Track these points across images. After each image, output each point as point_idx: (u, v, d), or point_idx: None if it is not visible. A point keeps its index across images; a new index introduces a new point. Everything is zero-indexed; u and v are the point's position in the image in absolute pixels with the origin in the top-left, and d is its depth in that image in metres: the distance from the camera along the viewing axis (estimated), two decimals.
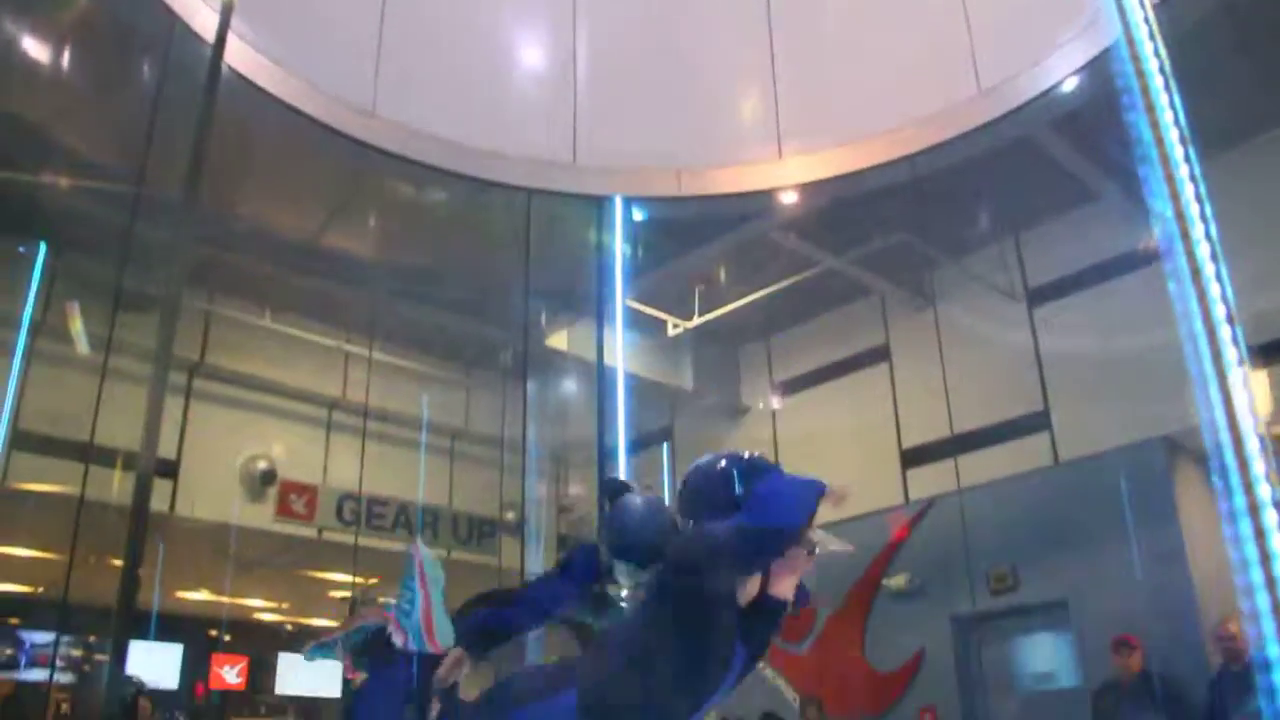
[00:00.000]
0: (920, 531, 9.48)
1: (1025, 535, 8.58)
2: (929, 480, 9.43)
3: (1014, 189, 8.49)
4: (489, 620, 3.39)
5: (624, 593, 3.28)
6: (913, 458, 9.74)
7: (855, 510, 9.76)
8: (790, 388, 11.02)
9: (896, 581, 9.52)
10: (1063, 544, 8.33)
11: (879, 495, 9.84)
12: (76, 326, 7.91)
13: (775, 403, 11.08)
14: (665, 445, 7.56)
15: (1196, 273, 2.69)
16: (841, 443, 10.29)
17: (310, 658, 3.70)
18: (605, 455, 5.98)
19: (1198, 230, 2.74)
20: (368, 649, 3.32)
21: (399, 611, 3.33)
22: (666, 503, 3.37)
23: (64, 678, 12.47)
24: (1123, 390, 8.23)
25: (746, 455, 3.14)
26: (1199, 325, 2.63)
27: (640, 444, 6.87)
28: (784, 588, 2.98)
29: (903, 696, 9.37)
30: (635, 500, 3.39)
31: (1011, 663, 8.69)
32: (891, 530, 9.61)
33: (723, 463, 3.09)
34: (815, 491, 3.00)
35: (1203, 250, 2.72)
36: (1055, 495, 8.54)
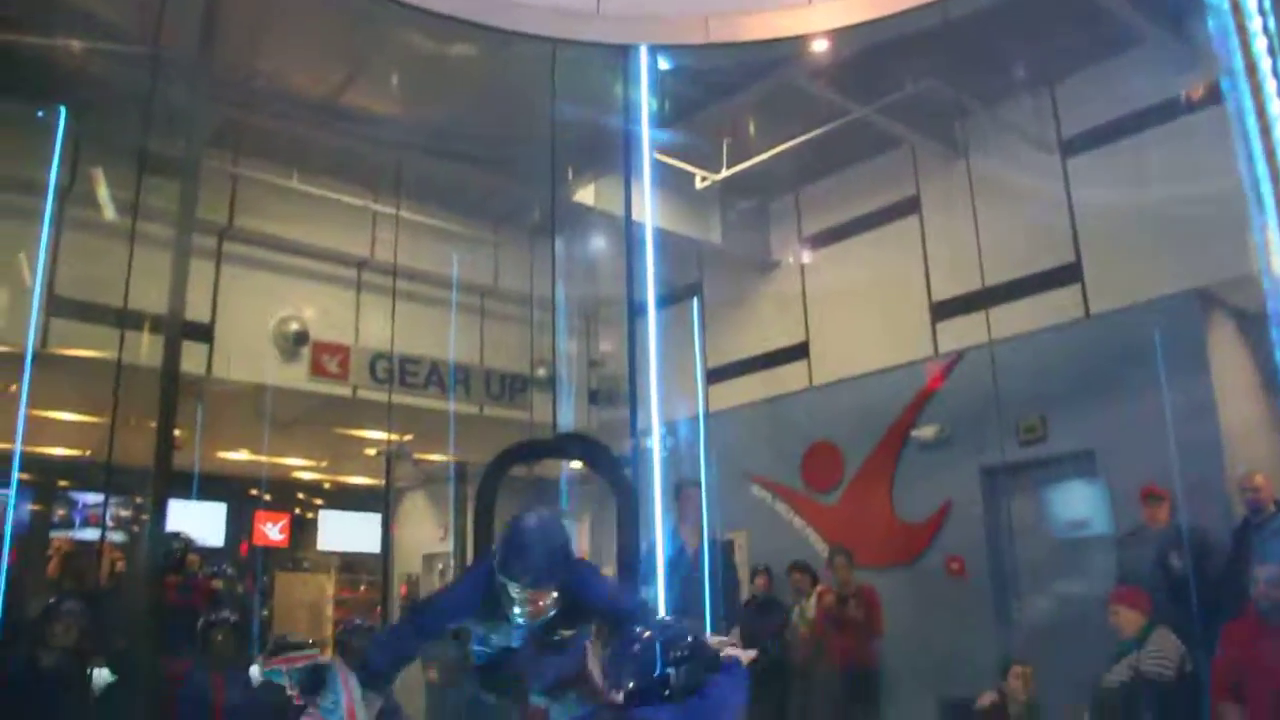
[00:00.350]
0: (949, 383, 9.51)
1: (1055, 387, 8.58)
2: (959, 333, 9.40)
3: (1050, 34, 8.25)
4: (379, 662, 3.67)
5: (516, 609, 3.43)
6: (943, 310, 9.69)
7: (885, 363, 9.88)
8: (819, 241, 10.92)
9: (925, 433, 9.58)
10: (1092, 396, 8.34)
11: (908, 348, 9.84)
12: (102, 192, 7.90)
13: (804, 256, 11.00)
14: (695, 300, 7.55)
15: (1262, 110, 2.59)
16: (871, 296, 10.26)
17: (262, 674, 3.91)
18: (635, 310, 5.99)
19: (1265, 65, 2.63)
20: (312, 686, 3.51)
21: (324, 710, 3.55)
22: (563, 524, 3.56)
23: (115, 536, 12.85)
24: (1156, 243, 8.14)
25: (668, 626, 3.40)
26: (1262, 168, 2.54)
27: (669, 299, 6.86)
28: None
29: (930, 546, 9.53)
30: (530, 521, 3.56)
31: (1039, 513, 8.77)
32: (926, 379, 9.64)
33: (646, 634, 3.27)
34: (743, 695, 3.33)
35: (1270, 86, 2.60)
36: (1086, 348, 8.50)
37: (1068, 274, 8.76)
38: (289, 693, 3.72)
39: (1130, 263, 8.42)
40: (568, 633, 3.62)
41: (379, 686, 3.61)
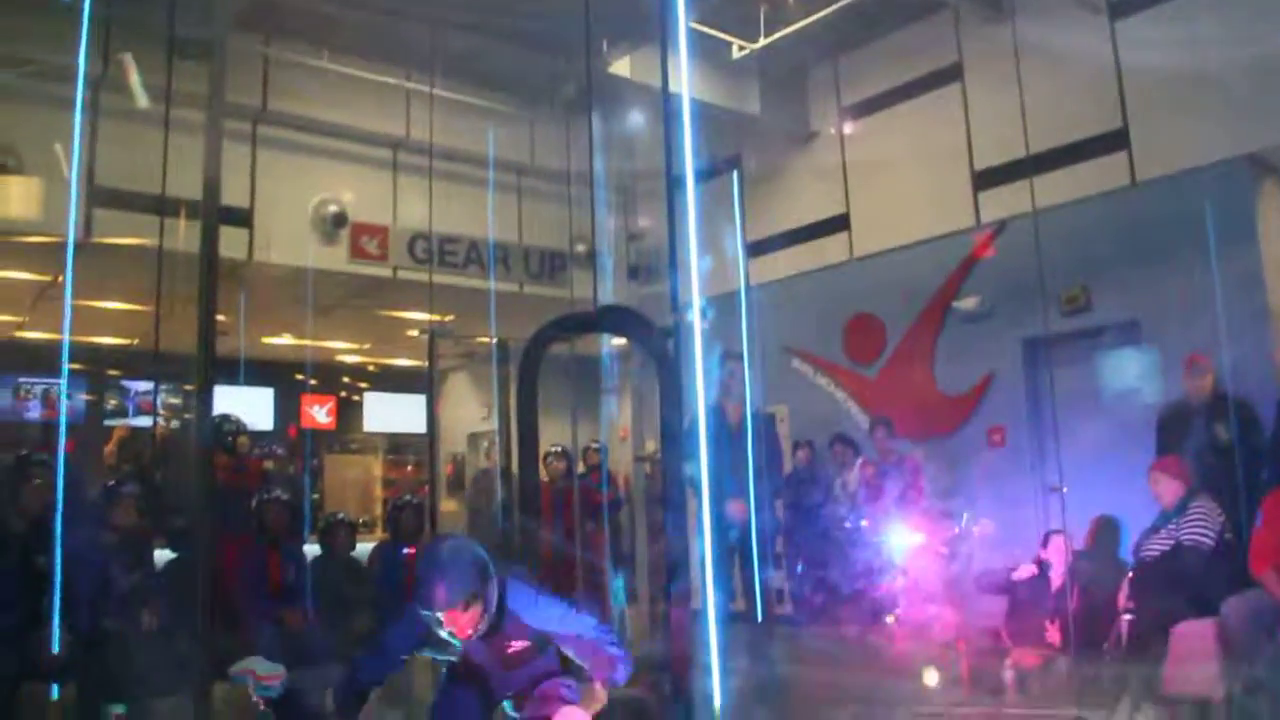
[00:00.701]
0: (991, 254, 9.41)
1: (1099, 257, 8.47)
2: (1002, 202, 9.26)
3: None
4: (347, 693, 3.96)
5: (443, 632, 3.62)
6: (985, 180, 9.52)
7: (926, 234, 9.78)
8: (860, 110, 10.70)
9: (967, 304, 9.53)
10: (1137, 265, 8.23)
11: (949, 219, 9.72)
12: (134, 78, 7.85)
13: (844, 126, 10.81)
14: (734, 173, 7.45)
15: None
16: (912, 166, 10.10)
17: (231, 679, 4.07)
18: (673, 184, 5.91)
19: None
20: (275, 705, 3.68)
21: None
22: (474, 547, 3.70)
23: (167, 422, 13.17)
24: (1206, 108, 7.89)
25: None
26: None
27: (708, 172, 6.78)
28: None
29: (971, 417, 9.56)
30: (435, 546, 3.90)
31: (1081, 384, 8.73)
32: (968, 250, 9.54)
33: None
34: None
35: None
36: (1131, 217, 8.35)
37: (1114, 141, 8.55)
38: (253, 698, 4.03)
39: (1179, 129, 8.18)
40: (518, 645, 3.84)
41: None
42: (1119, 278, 8.38)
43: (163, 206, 6.69)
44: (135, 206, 8.02)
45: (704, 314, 5.75)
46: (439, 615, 3.50)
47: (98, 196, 8.55)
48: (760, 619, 6.81)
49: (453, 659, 3.84)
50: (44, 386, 13.55)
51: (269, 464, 9.42)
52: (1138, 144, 8.41)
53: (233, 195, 9.27)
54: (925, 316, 9.92)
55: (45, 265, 9.52)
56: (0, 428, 13.22)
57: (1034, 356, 9.19)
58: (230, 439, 8.02)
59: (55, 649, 5.49)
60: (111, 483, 6.82)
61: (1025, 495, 8.92)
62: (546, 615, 3.74)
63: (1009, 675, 6.53)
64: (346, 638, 6.70)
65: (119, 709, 6.02)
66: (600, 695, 3.70)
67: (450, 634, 3.56)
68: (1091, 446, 8.31)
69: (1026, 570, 7.06)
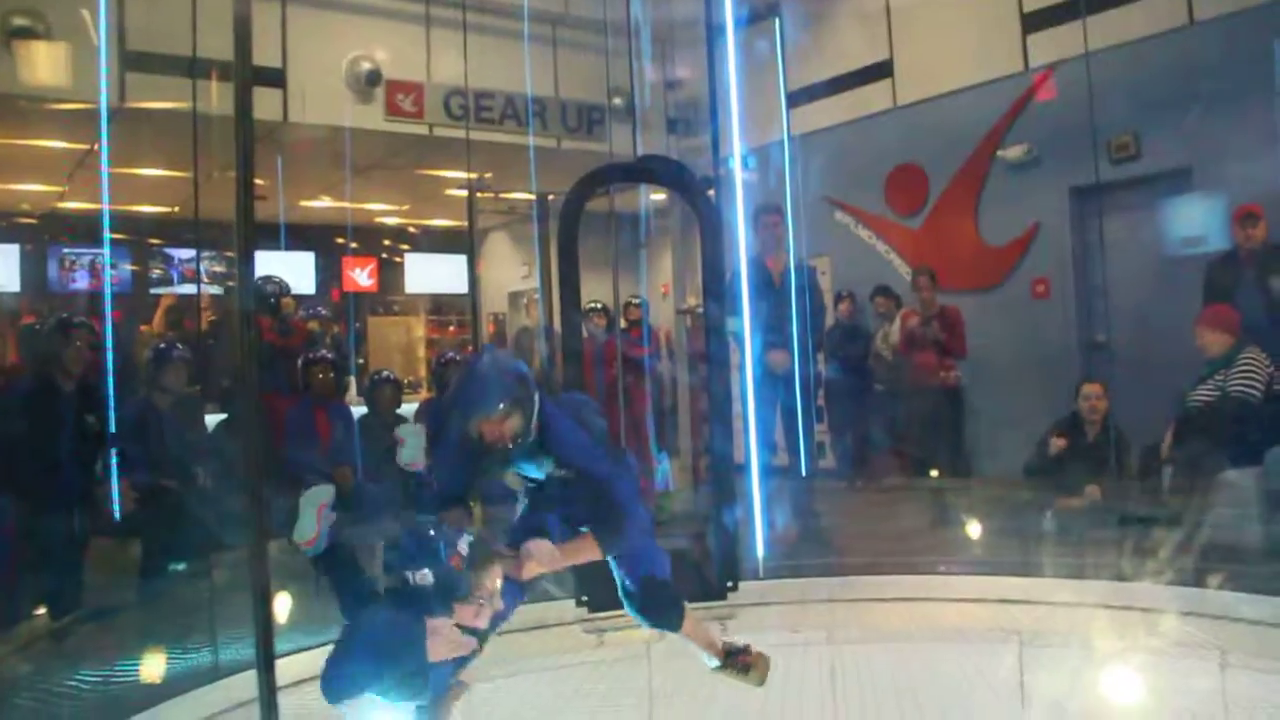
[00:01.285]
0: (1039, 100, 9.15)
1: (1151, 102, 8.20)
2: (1051, 46, 8.96)
3: None
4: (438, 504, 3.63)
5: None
6: (1034, 21, 9.19)
7: (971, 80, 9.52)
8: None
9: (1013, 152, 9.32)
10: (1190, 111, 7.97)
11: (996, 64, 9.43)
12: None
13: None
14: (775, 19, 7.25)
15: None
16: (957, 8, 9.77)
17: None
18: (712, 32, 5.77)
19: None
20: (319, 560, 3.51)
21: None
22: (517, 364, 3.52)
23: (212, 289, 13.28)
24: None
25: None
26: None
27: (748, 19, 6.59)
28: None
29: (1015, 268, 9.44)
30: (479, 358, 3.90)
31: (1130, 234, 8.57)
32: (1014, 96, 9.28)
33: None
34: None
35: None
36: (1186, 58, 8.04)
37: None
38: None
39: None
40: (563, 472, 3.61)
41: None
42: (1171, 124, 8.13)
43: (194, 68, 6.61)
44: (168, 69, 7.92)
45: (745, 165, 5.68)
46: (474, 423, 3.37)
47: (129, 60, 8.47)
48: (804, 473, 6.87)
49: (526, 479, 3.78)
50: (88, 256, 13.67)
51: (314, 325, 9.50)
52: None
53: (265, 55, 9.16)
54: (970, 166, 9.73)
55: (80, 133, 9.50)
56: (47, 298, 13.40)
57: (1081, 206, 9.01)
58: (274, 300, 8.06)
59: (117, 506, 5.67)
60: (161, 346, 6.90)
61: (1069, 346, 8.87)
62: (574, 448, 3.56)
63: (1049, 524, 6.59)
64: (394, 493, 6.84)
65: (178, 565, 6.24)
66: (584, 550, 3.50)
67: (488, 443, 3.38)
68: (1139, 298, 8.22)
69: (1059, 443, 6.98)
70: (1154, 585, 5.08)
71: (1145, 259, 8.31)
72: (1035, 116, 9.17)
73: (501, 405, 3.33)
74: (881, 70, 10.46)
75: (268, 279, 8.05)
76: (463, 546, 3.11)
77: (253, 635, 3.01)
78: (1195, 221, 8.00)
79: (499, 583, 3.21)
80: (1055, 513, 6.64)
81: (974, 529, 6.78)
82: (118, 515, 5.79)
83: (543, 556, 3.39)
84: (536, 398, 3.43)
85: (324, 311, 10.47)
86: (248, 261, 3.11)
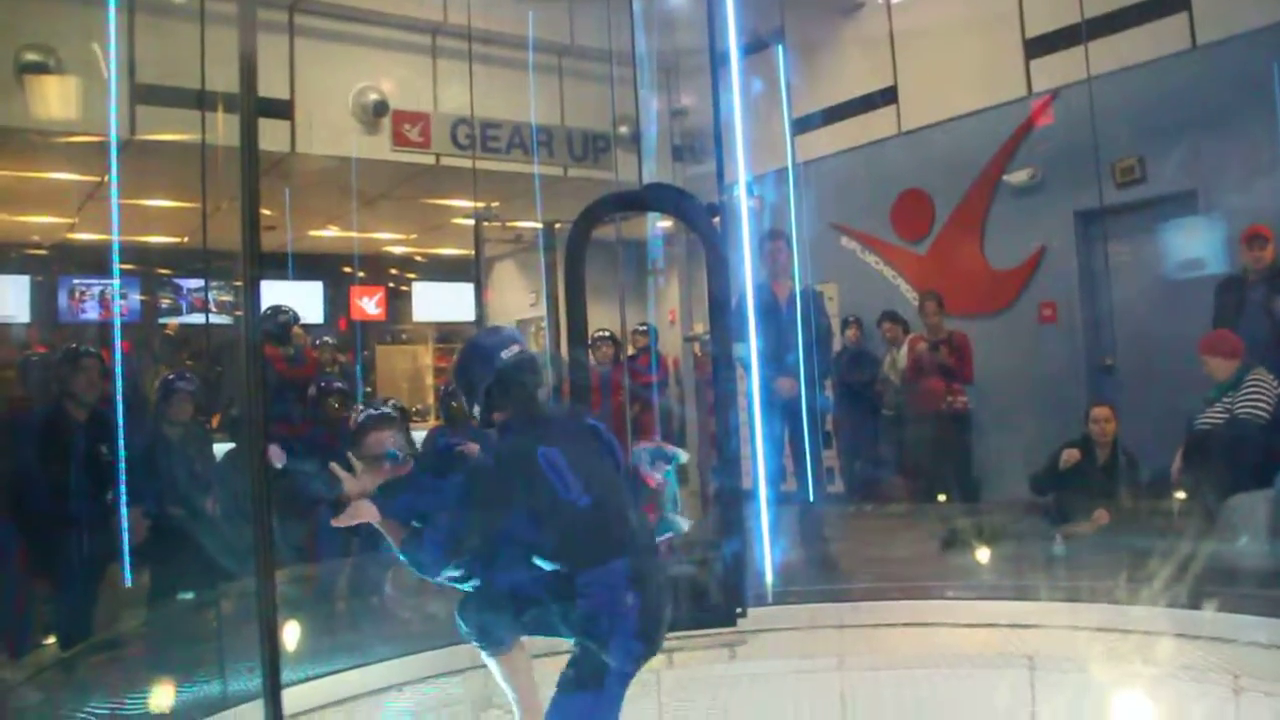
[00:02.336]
0: (1043, 125, 9.19)
1: (1155, 125, 8.24)
2: (1054, 71, 9.00)
3: None
4: None
5: None
6: (1037, 47, 9.24)
7: (975, 105, 9.55)
8: None
9: (1018, 177, 9.35)
10: (1195, 134, 8.00)
11: (1000, 89, 9.47)
12: None
13: None
14: (779, 46, 7.29)
15: None
16: (961, 34, 9.81)
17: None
18: (717, 60, 5.80)
19: None
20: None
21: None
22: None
23: (220, 319, 13.35)
24: None
25: None
26: None
27: (752, 46, 6.64)
28: None
29: (1022, 293, 9.45)
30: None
31: (1136, 257, 8.59)
32: (1018, 121, 9.31)
33: None
34: None
35: None
36: (1189, 81, 8.07)
37: (1173, 2, 8.24)
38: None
39: None
40: None
41: None
42: (1175, 147, 8.16)
43: (203, 100, 6.66)
44: (178, 102, 8.00)
45: (750, 191, 5.69)
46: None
47: (139, 94, 8.55)
48: (811, 498, 6.86)
49: None
50: (98, 287, 13.74)
51: (324, 355, 9.55)
52: (1199, 5, 8.10)
53: (272, 87, 9.24)
54: (975, 190, 9.75)
55: (91, 166, 9.58)
56: (57, 328, 13.47)
57: (1087, 230, 9.02)
58: (285, 330, 8.11)
59: (126, 535, 5.68)
60: (169, 377, 6.93)
61: (1076, 370, 8.87)
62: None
63: (1059, 549, 6.58)
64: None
65: (187, 595, 6.24)
66: (393, 532, 3.41)
67: None
68: (1145, 321, 8.22)
69: (1072, 456, 7.00)
70: (1165, 609, 5.05)
71: (1151, 282, 8.32)
72: (1040, 141, 9.20)
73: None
74: (886, 96, 10.51)
75: (278, 309, 8.10)
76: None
77: (260, 665, 3.01)
78: (1201, 244, 8.01)
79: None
80: (1064, 537, 6.63)
81: (983, 553, 6.76)
82: (128, 545, 5.81)
83: (363, 511, 3.34)
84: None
85: (330, 340, 10.51)
86: (253, 292, 3.13)
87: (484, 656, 3.64)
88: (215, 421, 7.89)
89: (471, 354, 3.54)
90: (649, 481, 3.47)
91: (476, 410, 3.46)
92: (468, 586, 3.44)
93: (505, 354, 3.41)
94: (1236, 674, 4.34)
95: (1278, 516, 5.79)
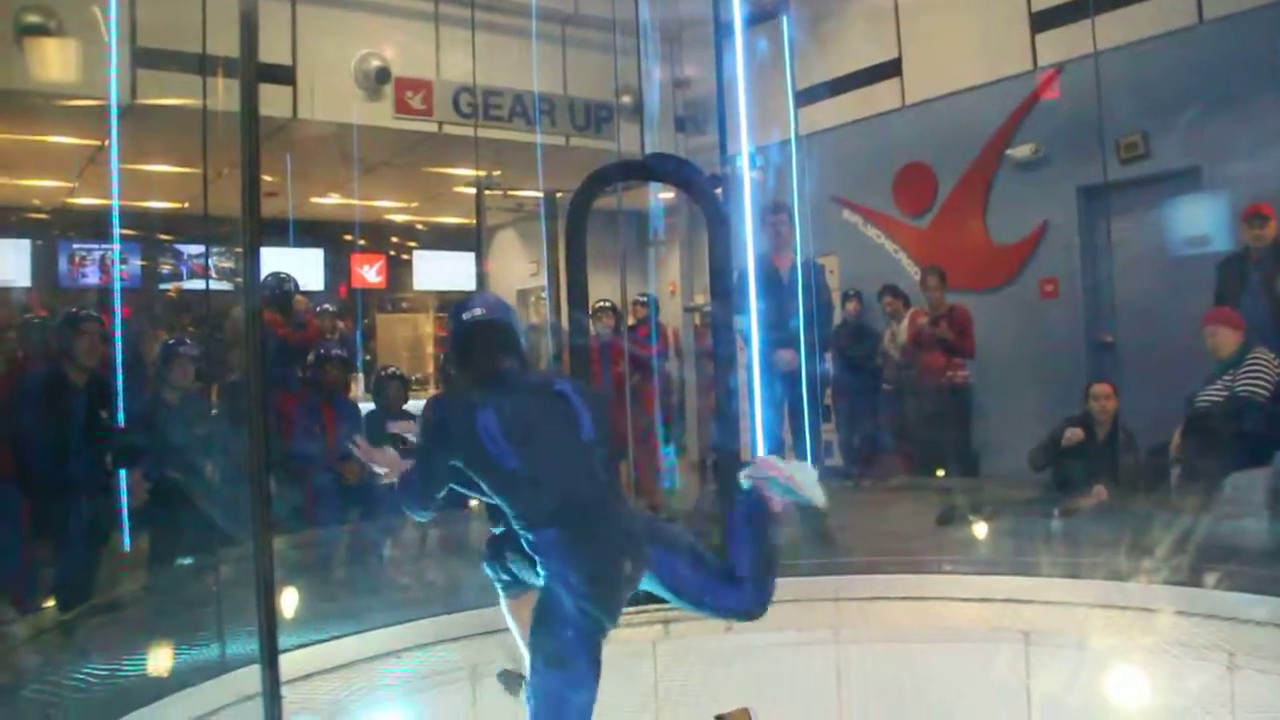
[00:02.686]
0: (1048, 100, 9.14)
1: (1160, 101, 8.19)
2: (1060, 44, 8.94)
3: None
4: None
5: None
6: (1043, 20, 9.17)
7: (980, 79, 9.50)
8: None
9: (1021, 151, 9.31)
10: (1200, 110, 7.94)
11: (1005, 63, 9.42)
12: None
13: None
14: (784, 17, 7.24)
15: None
16: (966, 7, 9.76)
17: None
18: (721, 30, 5.77)
19: None
20: None
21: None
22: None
23: (221, 285, 13.33)
24: None
25: None
26: None
27: (757, 17, 6.60)
28: None
29: (1024, 268, 9.43)
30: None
31: (1139, 233, 8.56)
32: (1023, 95, 9.27)
33: None
34: None
35: None
36: (1195, 57, 8.02)
37: None
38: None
39: None
40: None
41: None
42: (1180, 123, 8.12)
43: (204, 65, 6.62)
44: (179, 66, 7.96)
45: (753, 163, 5.66)
46: None
47: (141, 57, 8.50)
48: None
49: None
50: (98, 252, 13.73)
51: (324, 322, 9.55)
52: None
53: (275, 52, 9.20)
54: (978, 165, 9.71)
55: (91, 129, 9.54)
56: (58, 293, 13.47)
57: (1090, 205, 8.99)
58: (287, 297, 8.11)
59: (125, 499, 5.69)
60: (170, 341, 6.92)
61: (1077, 346, 8.86)
62: None
63: (1057, 525, 6.60)
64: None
65: (186, 560, 6.27)
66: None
67: None
68: (1147, 298, 8.20)
69: (1075, 434, 7.02)
70: (1160, 586, 5.07)
71: (1154, 259, 8.30)
72: (1043, 115, 9.15)
73: None
74: (890, 69, 10.45)
75: (279, 276, 8.09)
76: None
77: (257, 629, 3.02)
78: (1204, 221, 7.98)
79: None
80: (1062, 512, 6.65)
81: (980, 528, 6.77)
82: (127, 509, 5.83)
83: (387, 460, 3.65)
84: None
85: (330, 307, 10.50)
86: (254, 258, 3.12)
87: (500, 595, 3.68)
88: (215, 390, 7.89)
89: (449, 316, 3.72)
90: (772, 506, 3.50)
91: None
92: (497, 530, 3.48)
93: (466, 316, 3.52)
94: (1232, 651, 4.35)
95: (1276, 494, 5.80)
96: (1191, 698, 4.28)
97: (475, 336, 3.52)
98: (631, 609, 4.01)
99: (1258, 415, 6.20)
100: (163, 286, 14.29)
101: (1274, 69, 7.06)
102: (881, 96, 10.49)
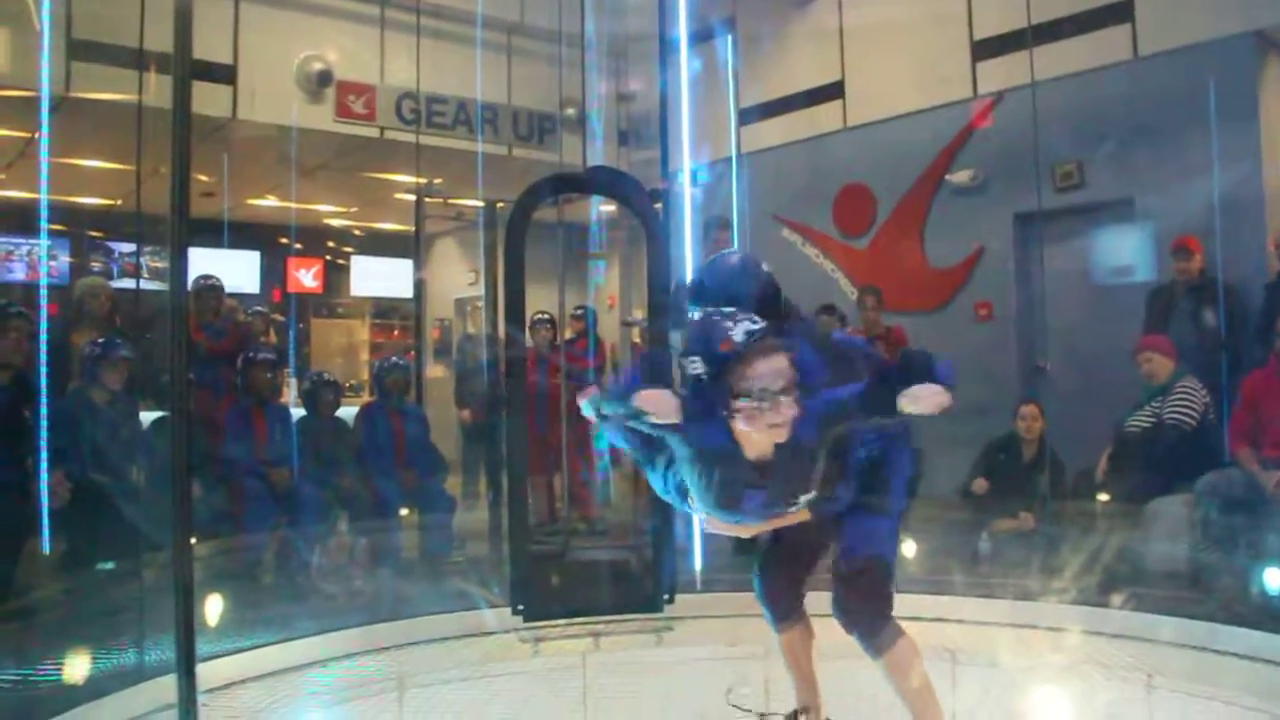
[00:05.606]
0: (986, 127, 9.29)
1: (1096, 132, 8.38)
2: (1000, 73, 9.09)
3: None
4: None
5: None
6: (984, 49, 9.33)
7: (921, 104, 9.63)
8: None
9: (960, 177, 9.45)
10: (1134, 141, 8.14)
11: (945, 89, 9.56)
12: None
13: None
14: (729, 36, 7.28)
15: None
16: (910, 33, 9.88)
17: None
18: (666, 47, 5.79)
19: None
20: None
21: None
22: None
23: (152, 285, 13.06)
24: None
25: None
26: None
27: (702, 35, 6.63)
28: None
29: (959, 291, 9.55)
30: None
31: (1071, 260, 8.71)
32: (963, 122, 9.40)
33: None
34: None
35: None
36: (1131, 90, 8.23)
37: (1119, 12, 8.35)
38: None
39: (1185, 2, 8.05)
40: None
41: None
42: (1114, 154, 8.29)
43: (142, 60, 6.52)
44: (115, 60, 7.80)
45: (694, 179, 5.69)
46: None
47: (75, 50, 8.33)
48: None
49: None
50: (25, 247, 13.42)
51: (255, 322, 9.39)
52: (1143, 16, 8.23)
53: (215, 52, 9.07)
54: (917, 188, 9.84)
55: (21, 122, 9.32)
56: None
57: (1025, 232, 9.14)
58: (212, 297, 7.92)
59: (45, 501, 5.55)
60: (101, 341, 6.74)
61: (1008, 371, 8.98)
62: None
63: (984, 546, 6.69)
64: (330, 495, 6.78)
65: (106, 565, 6.12)
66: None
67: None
68: (1078, 324, 8.35)
69: (981, 485, 7.17)
70: (1084, 607, 5.15)
71: (1085, 286, 8.47)
72: (982, 142, 9.31)
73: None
74: (833, 91, 10.55)
75: (207, 279, 7.87)
76: (737, 334, 2.92)
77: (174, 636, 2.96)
78: (1135, 251, 8.16)
79: (780, 382, 2.87)
80: (990, 535, 6.74)
81: (909, 547, 6.83)
82: (47, 509, 5.68)
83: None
84: None
85: (261, 309, 10.35)
86: (181, 257, 3.07)
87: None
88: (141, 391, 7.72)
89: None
90: None
91: None
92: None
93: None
94: (1150, 672, 4.42)
95: (1196, 521, 5.92)
96: (1111, 717, 4.34)
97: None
98: (562, 621, 4.01)
99: (1183, 442, 6.33)
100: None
101: (1205, 105, 7.23)
102: (824, 118, 10.59)
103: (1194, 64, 7.72)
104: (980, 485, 7.14)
